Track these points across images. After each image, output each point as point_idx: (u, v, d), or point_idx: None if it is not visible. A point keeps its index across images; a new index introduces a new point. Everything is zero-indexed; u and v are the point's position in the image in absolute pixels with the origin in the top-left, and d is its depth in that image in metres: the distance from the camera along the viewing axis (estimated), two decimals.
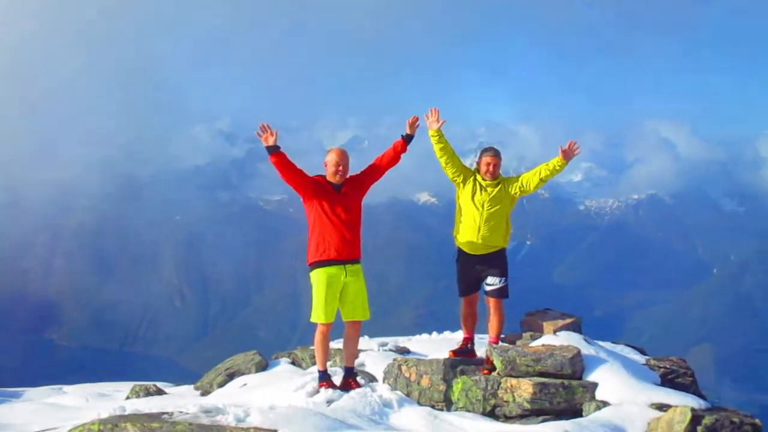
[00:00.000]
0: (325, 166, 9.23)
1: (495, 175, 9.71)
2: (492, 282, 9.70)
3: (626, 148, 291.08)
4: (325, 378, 9.23)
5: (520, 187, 9.76)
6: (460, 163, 9.84)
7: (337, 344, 11.02)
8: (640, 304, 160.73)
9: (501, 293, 9.73)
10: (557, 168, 9.69)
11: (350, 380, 9.30)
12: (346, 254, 9.08)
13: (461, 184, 9.80)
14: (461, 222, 9.82)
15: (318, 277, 9.07)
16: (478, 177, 9.76)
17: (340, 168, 9.12)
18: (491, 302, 9.75)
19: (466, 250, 9.84)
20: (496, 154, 9.75)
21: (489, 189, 9.67)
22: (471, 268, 9.82)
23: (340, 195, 9.14)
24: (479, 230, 9.62)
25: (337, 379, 9.46)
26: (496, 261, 9.75)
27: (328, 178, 9.19)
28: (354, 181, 9.33)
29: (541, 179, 9.73)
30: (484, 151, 9.84)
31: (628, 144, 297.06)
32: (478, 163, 9.81)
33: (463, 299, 10.02)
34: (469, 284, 9.91)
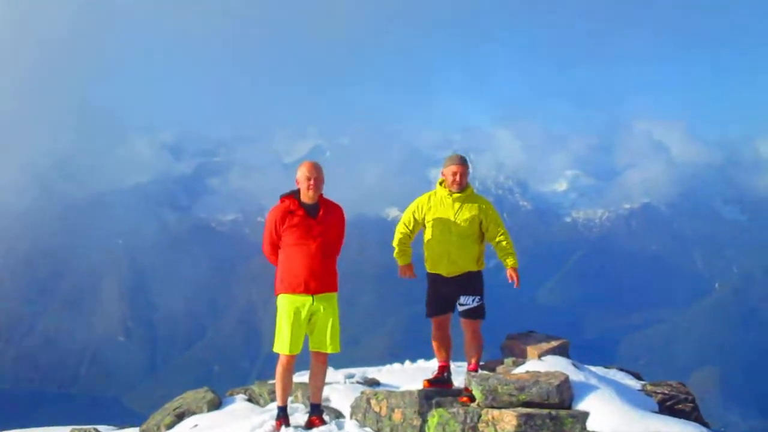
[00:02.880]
0: (297, 183, 9.11)
1: (462, 186, 9.65)
2: (465, 302, 9.65)
3: (616, 152, 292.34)
4: (281, 415, 9.21)
5: (485, 230, 9.79)
6: (413, 225, 9.94)
7: (299, 377, 10.96)
8: (635, 324, 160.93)
9: (476, 313, 9.69)
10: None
11: (315, 418, 9.23)
12: (315, 288, 8.99)
13: (422, 220, 9.84)
14: (428, 249, 9.82)
15: (283, 303, 9.01)
16: (441, 192, 9.74)
17: (311, 182, 9.00)
18: (466, 325, 9.71)
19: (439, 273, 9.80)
20: (462, 162, 9.69)
21: (455, 204, 9.63)
22: (441, 287, 9.76)
23: (315, 221, 9.04)
24: (449, 255, 9.62)
25: (299, 417, 9.41)
26: (469, 280, 9.71)
27: (302, 197, 9.08)
28: (334, 211, 9.27)
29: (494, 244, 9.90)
30: (449, 159, 9.78)
31: (618, 148, 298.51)
32: (443, 174, 9.74)
33: (433, 321, 9.93)
34: (439, 303, 9.83)
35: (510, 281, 9.82)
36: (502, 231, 9.79)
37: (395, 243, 9.95)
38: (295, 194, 9.12)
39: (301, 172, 9.04)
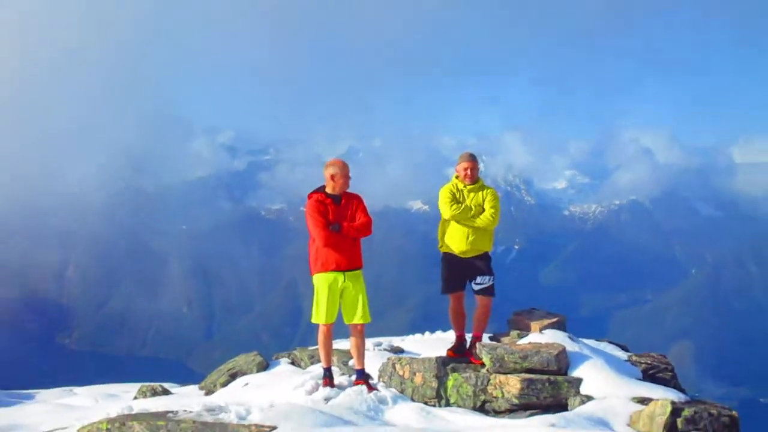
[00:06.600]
0: (332, 178, 9.11)
1: (474, 179, 9.60)
2: (481, 281, 9.56)
3: (608, 156, 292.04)
4: (327, 375, 9.21)
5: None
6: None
7: (336, 344, 10.97)
8: (623, 303, 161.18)
9: (490, 291, 9.62)
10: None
11: (360, 381, 9.19)
12: (345, 265, 9.04)
13: None
14: (449, 231, 9.64)
15: (319, 281, 9.07)
16: (459, 184, 9.65)
17: (346, 180, 9.11)
18: (481, 300, 9.65)
19: (454, 253, 9.70)
20: (472, 158, 9.64)
21: (470, 195, 9.56)
22: (457, 266, 9.64)
23: (340, 207, 9.08)
24: (468, 237, 9.49)
25: (337, 379, 9.40)
26: (482, 262, 9.61)
27: (328, 190, 9.13)
28: (354, 198, 9.26)
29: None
30: (460, 157, 9.73)
31: (610, 152, 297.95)
32: (457, 170, 9.69)
33: (451, 296, 9.80)
34: (455, 281, 9.70)
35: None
36: (494, 212, 9.51)
37: (451, 208, 9.51)
38: (320, 189, 9.20)
39: (338, 169, 9.09)
